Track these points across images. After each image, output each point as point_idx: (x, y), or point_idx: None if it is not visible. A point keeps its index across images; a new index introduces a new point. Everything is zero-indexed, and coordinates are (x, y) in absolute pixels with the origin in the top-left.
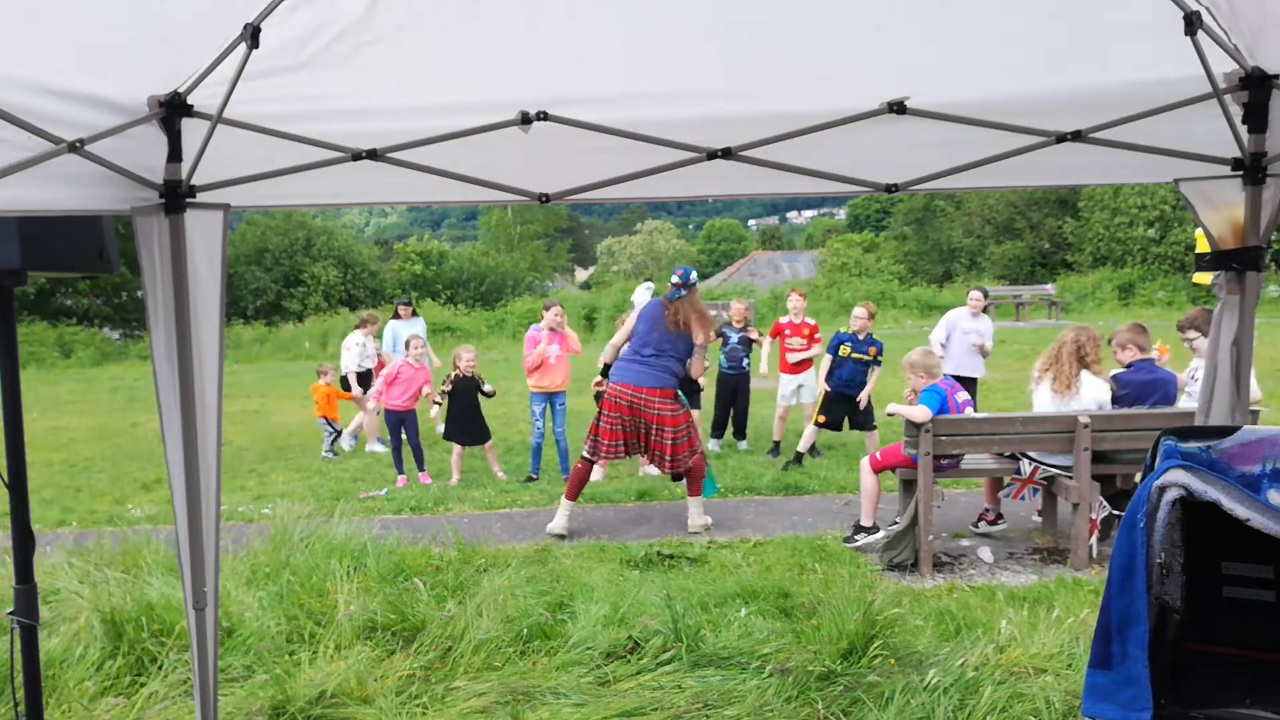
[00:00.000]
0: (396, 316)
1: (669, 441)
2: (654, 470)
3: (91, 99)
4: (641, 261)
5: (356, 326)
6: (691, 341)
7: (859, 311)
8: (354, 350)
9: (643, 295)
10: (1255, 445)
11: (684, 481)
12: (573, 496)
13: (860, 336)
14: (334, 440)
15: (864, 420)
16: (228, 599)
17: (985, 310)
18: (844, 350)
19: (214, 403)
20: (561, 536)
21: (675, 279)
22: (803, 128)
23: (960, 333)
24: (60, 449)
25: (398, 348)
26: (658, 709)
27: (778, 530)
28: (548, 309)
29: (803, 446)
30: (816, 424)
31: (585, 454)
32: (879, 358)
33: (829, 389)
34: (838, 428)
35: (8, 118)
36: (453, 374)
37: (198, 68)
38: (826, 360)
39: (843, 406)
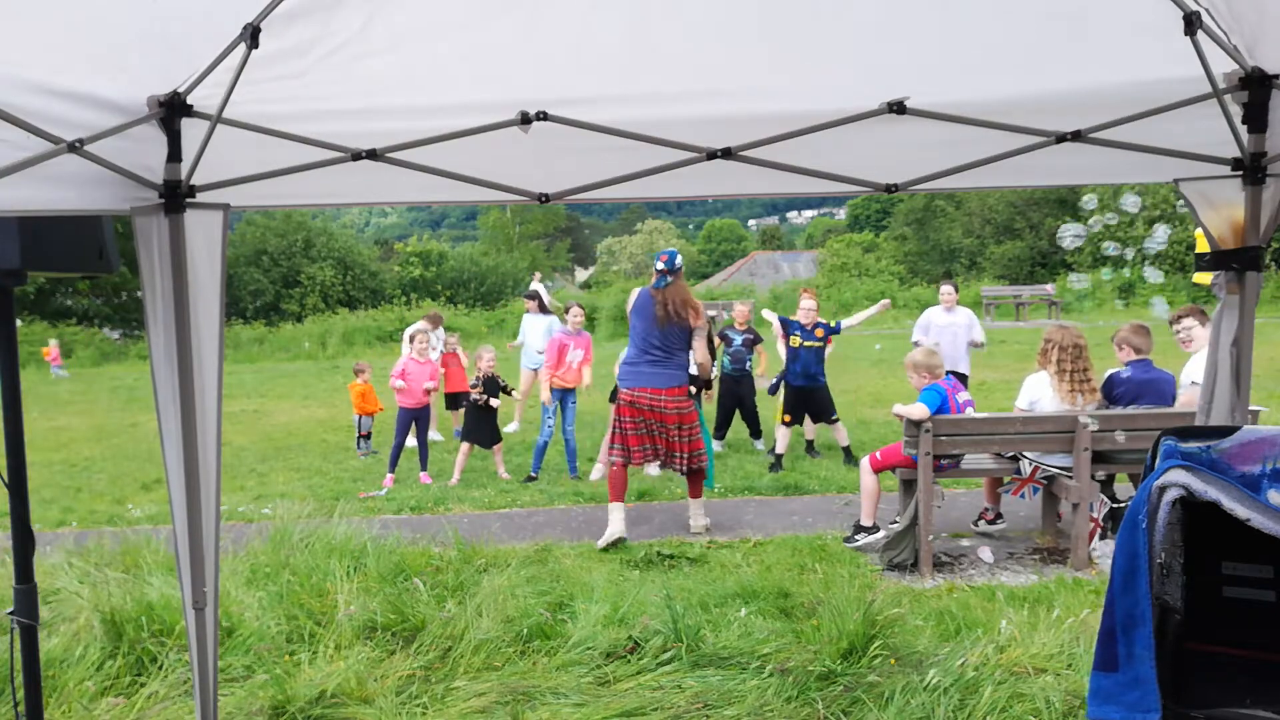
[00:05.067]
0: (542, 309)
1: (686, 439)
2: (655, 470)
3: (91, 99)
4: (642, 261)
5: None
6: (689, 328)
7: (807, 304)
8: (437, 343)
9: (543, 290)
10: (1255, 445)
11: (687, 482)
12: (620, 498)
13: (807, 325)
14: (365, 439)
15: (823, 413)
16: (228, 599)
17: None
18: (794, 341)
19: (214, 403)
20: (619, 540)
21: (660, 265)
22: (803, 128)
23: (937, 329)
24: (60, 449)
25: (527, 340)
26: (658, 709)
27: (778, 530)
28: (567, 309)
29: (780, 448)
30: (783, 423)
31: (616, 460)
32: (829, 336)
33: (789, 385)
34: (800, 422)
35: (8, 118)
36: (480, 374)
37: (197, 68)
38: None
39: (801, 400)
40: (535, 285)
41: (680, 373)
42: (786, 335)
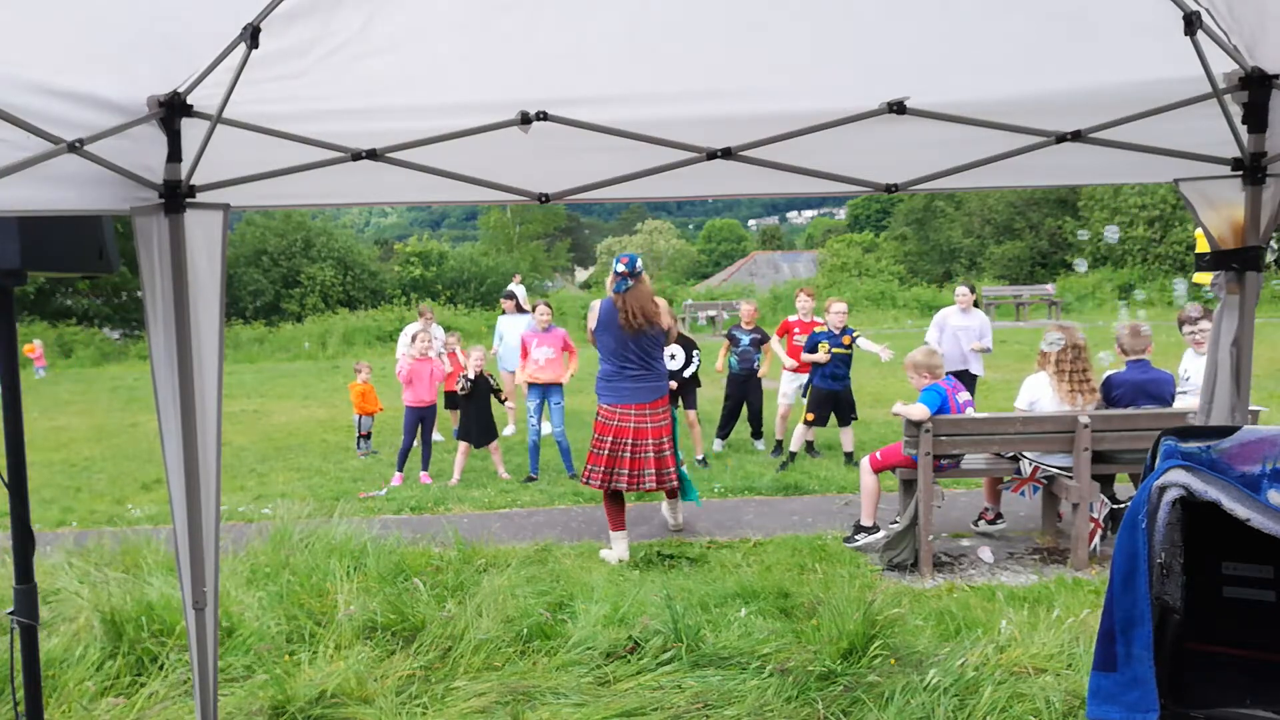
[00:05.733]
0: (519, 310)
1: (655, 455)
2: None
3: (91, 99)
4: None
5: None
6: (659, 330)
7: (838, 307)
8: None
9: (520, 291)
10: (1255, 445)
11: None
12: (621, 525)
13: (835, 331)
14: (365, 439)
15: (848, 413)
16: (228, 599)
17: (980, 306)
18: (823, 348)
19: (214, 403)
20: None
21: (620, 268)
22: (803, 128)
23: (952, 330)
24: (60, 449)
25: (505, 341)
26: (658, 709)
27: (778, 530)
28: (534, 309)
29: (794, 445)
30: (806, 422)
31: (613, 486)
32: (855, 342)
33: (816, 386)
34: (824, 423)
35: (8, 118)
36: (469, 374)
37: (197, 68)
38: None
39: (829, 402)
40: (513, 286)
41: (662, 383)
42: (813, 349)
